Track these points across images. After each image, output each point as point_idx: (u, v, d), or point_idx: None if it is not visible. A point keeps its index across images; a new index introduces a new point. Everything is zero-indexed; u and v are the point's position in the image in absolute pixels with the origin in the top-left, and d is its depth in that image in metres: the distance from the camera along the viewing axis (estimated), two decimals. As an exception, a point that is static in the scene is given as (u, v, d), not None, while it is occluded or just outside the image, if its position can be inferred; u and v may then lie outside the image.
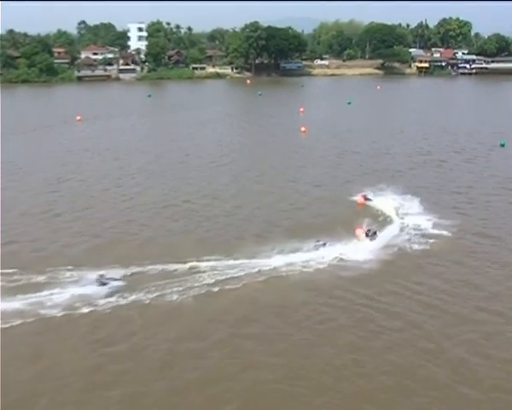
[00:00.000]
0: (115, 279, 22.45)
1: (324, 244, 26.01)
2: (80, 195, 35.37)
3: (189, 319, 20.00)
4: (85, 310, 20.36)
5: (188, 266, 23.48)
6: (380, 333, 19.30)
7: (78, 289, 21.43)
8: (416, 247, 26.34)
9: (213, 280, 22.28)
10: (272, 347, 18.61)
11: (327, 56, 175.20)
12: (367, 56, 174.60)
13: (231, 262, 23.95)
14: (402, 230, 28.55)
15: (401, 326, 19.74)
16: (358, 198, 34.02)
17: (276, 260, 24.35)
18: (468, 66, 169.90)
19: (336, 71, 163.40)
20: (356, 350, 18.38)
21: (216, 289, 21.81)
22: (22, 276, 22.54)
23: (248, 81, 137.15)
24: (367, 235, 27.34)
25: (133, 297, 21.26)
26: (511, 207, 33.26)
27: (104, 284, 22.17)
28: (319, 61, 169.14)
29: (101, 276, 22.40)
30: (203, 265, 23.65)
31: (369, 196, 34.03)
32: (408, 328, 19.62)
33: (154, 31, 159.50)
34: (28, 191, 36.10)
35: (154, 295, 21.38)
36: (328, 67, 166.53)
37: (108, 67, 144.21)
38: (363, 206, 33.17)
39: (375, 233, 27.53)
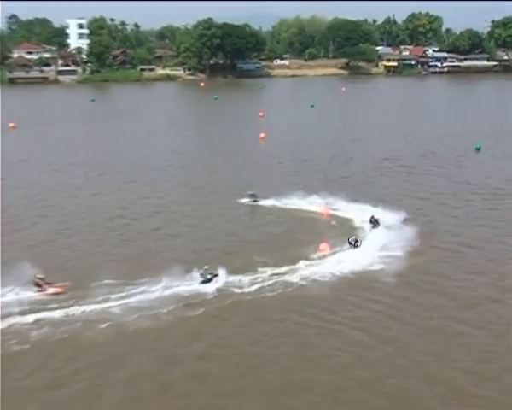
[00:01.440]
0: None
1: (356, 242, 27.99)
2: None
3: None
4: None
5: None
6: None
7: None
8: (384, 260, 26.92)
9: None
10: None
11: (287, 56, 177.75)
12: (330, 55, 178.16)
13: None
14: (371, 241, 29.17)
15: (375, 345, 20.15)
16: (323, 208, 34.59)
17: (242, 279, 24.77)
18: (439, 64, 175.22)
19: (297, 71, 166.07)
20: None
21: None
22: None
23: (202, 84, 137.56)
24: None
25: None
26: (482, 214, 34.57)
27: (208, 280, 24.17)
28: (279, 62, 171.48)
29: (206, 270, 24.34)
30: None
31: (334, 206, 34.71)
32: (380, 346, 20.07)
33: (97, 28, 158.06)
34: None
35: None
36: (288, 67, 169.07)
37: (45, 68, 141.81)
38: (329, 216, 33.73)
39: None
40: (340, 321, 21.78)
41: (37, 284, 23.68)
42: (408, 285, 24.83)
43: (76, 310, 22.13)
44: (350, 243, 28.47)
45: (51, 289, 23.71)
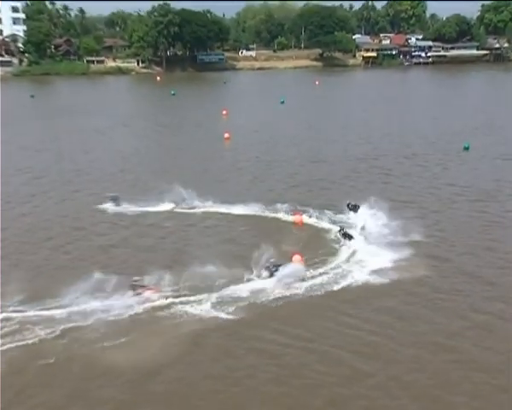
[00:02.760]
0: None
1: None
2: None
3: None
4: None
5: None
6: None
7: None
8: (359, 274, 27.37)
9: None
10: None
11: (254, 46, 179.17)
12: (302, 46, 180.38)
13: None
14: (347, 252, 29.67)
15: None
16: (296, 217, 34.98)
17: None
18: (423, 54, 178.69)
19: (266, 64, 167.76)
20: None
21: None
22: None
23: (158, 78, 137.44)
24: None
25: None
26: (468, 220, 35.49)
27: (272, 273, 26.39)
28: (245, 53, 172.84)
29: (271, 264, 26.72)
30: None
31: (306, 214, 35.20)
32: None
33: (35, 12, 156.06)
34: None
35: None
36: (255, 59, 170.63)
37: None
38: (302, 225, 34.14)
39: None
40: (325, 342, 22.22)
41: (134, 288, 25.20)
42: (394, 299, 25.38)
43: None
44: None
45: (147, 292, 25.11)
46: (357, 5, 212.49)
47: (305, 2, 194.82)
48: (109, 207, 37.55)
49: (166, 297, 24.83)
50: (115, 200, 37.88)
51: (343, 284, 26.50)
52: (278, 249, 29.34)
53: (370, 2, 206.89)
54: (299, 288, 26.04)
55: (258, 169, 48.99)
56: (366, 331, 22.89)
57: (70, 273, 26.87)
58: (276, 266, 26.83)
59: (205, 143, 61.29)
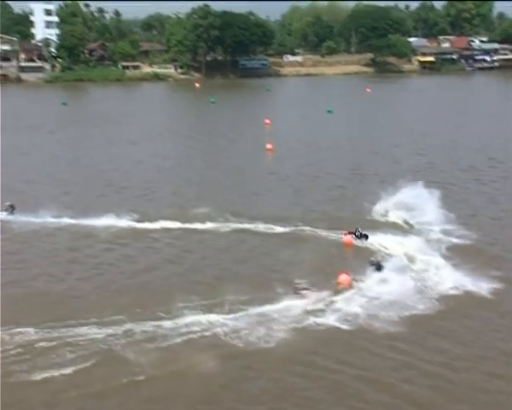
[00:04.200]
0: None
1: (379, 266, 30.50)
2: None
3: None
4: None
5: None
6: None
7: None
8: (424, 300, 27.67)
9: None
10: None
11: (300, 51, 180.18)
12: (353, 50, 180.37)
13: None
14: (411, 278, 30.00)
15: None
16: (345, 237, 35.54)
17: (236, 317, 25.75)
18: (487, 58, 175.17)
19: (312, 69, 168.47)
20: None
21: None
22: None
23: (197, 84, 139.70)
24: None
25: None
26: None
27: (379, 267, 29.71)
28: (290, 58, 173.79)
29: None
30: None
31: (360, 233, 35.74)
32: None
33: (69, 15, 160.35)
34: None
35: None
36: (301, 64, 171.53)
37: (4, 64, 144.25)
38: (352, 246, 34.69)
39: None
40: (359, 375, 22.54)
41: (297, 290, 27.49)
42: (441, 331, 25.56)
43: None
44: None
45: (313, 294, 27.35)
46: (414, 5, 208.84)
47: (356, 2, 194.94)
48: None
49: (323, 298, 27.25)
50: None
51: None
52: (324, 269, 30.13)
53: (429, 2, 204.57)
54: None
55: (300, 182, 49.77)
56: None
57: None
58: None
59: (245, 155, 62.44)
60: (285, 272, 30.45)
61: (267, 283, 28.94)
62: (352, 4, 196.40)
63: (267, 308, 26.44)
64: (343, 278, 29.14)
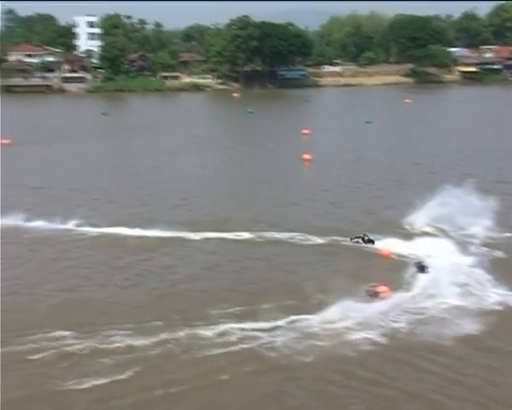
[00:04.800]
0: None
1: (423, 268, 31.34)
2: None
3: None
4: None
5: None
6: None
7: None
8: (466, 315, 27.37)
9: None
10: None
11: (339, 61, 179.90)
12: (392, 60, 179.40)
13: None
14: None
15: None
16: (383, 249, 35.46)
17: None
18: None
19: (351, 80, 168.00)
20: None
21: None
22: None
23: (235, 95, 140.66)
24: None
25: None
26: None
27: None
28: (329, 68, 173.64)
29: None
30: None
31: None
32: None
33: (111, 27, 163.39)
34: None
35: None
36: (340, 75, 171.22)
37: (48, 75, 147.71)
38: (389, 258, 34.65)
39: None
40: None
41: (373, 292, 28.75)
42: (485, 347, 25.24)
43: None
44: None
45: (388, 296, 28.49)
46: (457, 14, 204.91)
47: (397, 12, 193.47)
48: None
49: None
50: None
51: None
52: (363, 280, 30.12)
53: (471, 11, 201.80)
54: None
55: (338, 193, 49.93)
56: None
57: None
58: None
59: (283, 165, 62.73)
60: (322, 282, 30.45)
61: (304, 293, 29.10)
62: (392, 14, 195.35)
63: (305, 318, 26.54)
64: (382, 289, 29.08)
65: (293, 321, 26.30)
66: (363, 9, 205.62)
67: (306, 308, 27.39)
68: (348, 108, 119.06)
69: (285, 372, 23.15)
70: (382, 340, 25.19)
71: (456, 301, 28.32)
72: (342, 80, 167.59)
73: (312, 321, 26.37)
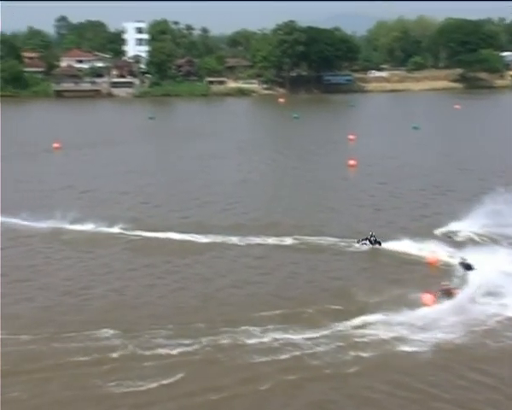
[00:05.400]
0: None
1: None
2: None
3: None
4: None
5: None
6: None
7: None
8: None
9: None
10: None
11: (386, 66, 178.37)
12: (441, 65, 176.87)
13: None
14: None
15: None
16: (430, 254, 35.06)
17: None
18: None
19: (398, 85, 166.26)
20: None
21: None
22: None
23: (281, 100, 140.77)
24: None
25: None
26: None
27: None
28: (375, 73, 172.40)
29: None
30: None
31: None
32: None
33: (159, 32, 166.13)
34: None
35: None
36: (387, 80, 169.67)
37: (97, 80, 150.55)
38: (436, 265, 34.25)
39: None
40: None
41: (446, 290, 29.37)
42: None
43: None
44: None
45: (461, 294, 29.30)
46: (510, 18, 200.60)
47: (446, 16, 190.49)
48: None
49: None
50: None
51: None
52: (407, 288, 29.91)
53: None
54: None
55: (382, 199, 49.59)
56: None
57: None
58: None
59: (327, 170, 62.68)
60: (367, 289, 30.42)
61: (350, 300, 29.15)
62: (441, 18, 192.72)
63: (350, 325, 26.44)
64: (427, 298, 28.74)
65: (338, 328, 26.22)
66: (412, 14, 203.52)
67: (352, 315, 27.26)
68: (395, 114, 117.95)
69: (329, 381, 23.04)
70: (432, 348, 24.80)
71: (505, 311, 27.75)
72: (389, 86, 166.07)
73: (357, 329, 26.26)
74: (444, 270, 33.52)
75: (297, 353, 24.46)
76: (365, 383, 22.87)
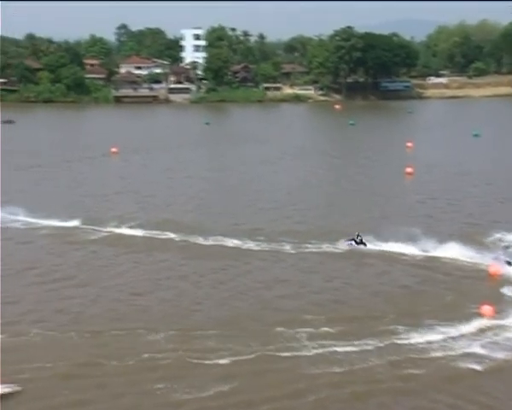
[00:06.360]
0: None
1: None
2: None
3: None
4: None
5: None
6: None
7: None
8: None
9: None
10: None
11: (445, 72, 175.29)
12: (504, 70, 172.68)
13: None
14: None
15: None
16: (492, 265, 33.97)
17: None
18: None
19: (458, 92, 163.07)
20: None
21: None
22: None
23: (337, 106, 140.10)
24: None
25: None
26: None
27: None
28: (434, 79, 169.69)
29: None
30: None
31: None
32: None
33: (216, 39, 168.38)
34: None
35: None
36: (446, 86, 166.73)
37: (155, 86, 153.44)
38: (497, 277, 33.20)
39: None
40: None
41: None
42: None
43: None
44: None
45: None
46: None
47: (510, 20, 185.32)
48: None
49: None
50: None
51: None
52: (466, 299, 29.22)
53: None
54: None
55: (438, 208, 48.57)
56: None
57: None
58: None
59: (384, 178, 61.89)
60: (428, 300, 29.84)
61: (409, 311, 28.63)
62: (505, 22, 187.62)
63: (410, 338, 26.00)
64: (486, 309, 27.91)
65: (399, 341, 25.77)
66: (474, 18, 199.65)
67: (413, 328, 26.72)
68: (455, 121, 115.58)
69: (388, 394, 22.56)
70: (501, 363, 24.17)
71: None
72: (448, 92, 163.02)
73: (419, 343, 25.68)
74: (504, 281, 32.46)
75: (354, 367, 23.89)
76: (426, 396, 22.34)
